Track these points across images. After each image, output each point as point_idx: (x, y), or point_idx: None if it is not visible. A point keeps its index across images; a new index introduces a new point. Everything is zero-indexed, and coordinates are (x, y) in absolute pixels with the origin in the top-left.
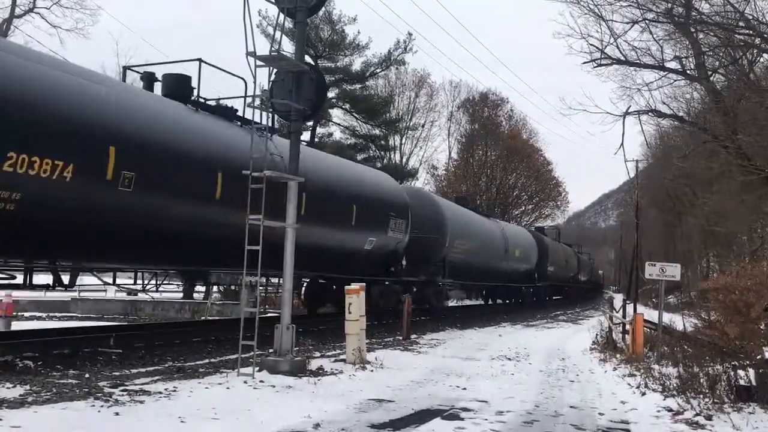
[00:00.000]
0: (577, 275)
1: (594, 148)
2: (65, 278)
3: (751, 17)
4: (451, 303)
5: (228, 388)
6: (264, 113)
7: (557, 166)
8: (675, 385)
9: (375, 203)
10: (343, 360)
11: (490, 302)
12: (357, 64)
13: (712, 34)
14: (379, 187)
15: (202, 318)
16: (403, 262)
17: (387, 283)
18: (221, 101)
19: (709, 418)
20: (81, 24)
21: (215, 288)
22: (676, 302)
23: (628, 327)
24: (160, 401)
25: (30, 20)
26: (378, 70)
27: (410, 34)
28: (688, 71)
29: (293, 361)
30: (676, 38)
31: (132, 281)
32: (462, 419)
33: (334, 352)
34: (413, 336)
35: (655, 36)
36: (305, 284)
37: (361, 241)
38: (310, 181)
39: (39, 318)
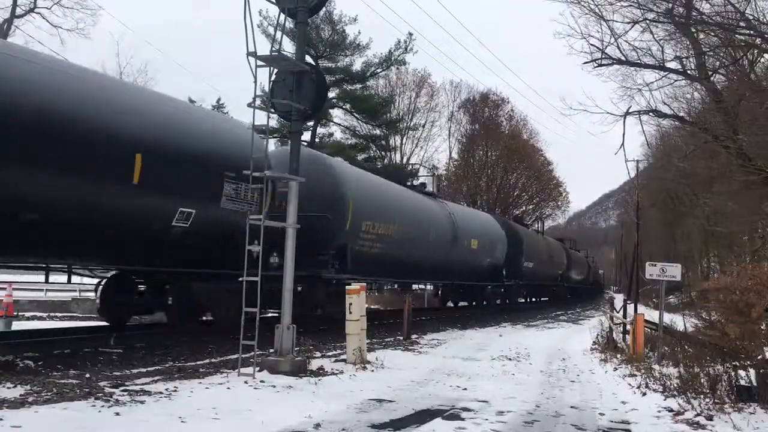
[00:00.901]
0: (568, 273)
1: (595, 149)
2: None
3: (751, 17)
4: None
5: (228, 388)
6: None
7: (558, 167)
8: (676, 385)
9: (191, 155)
10: (344, 360)
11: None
12: (357, 64)
13: (712, 34)
14: (205, 131)
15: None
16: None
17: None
18: None
19: (709, 418)
20: (82, 24)
21: None
22: (676, 302)
23: (628, 327)
24: (161, 401)
25: (31, 20)
26: (378, 70)
27: (411, 34)
28: (688, 71)
29: (294, 361)
30: (677, 38)
31: None
32: (462, 419)
33: (334, 352)
34: (414, 336)
35: (655, 36)
36: (104, 282)
37: (160, 213)
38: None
39: (39, 318)
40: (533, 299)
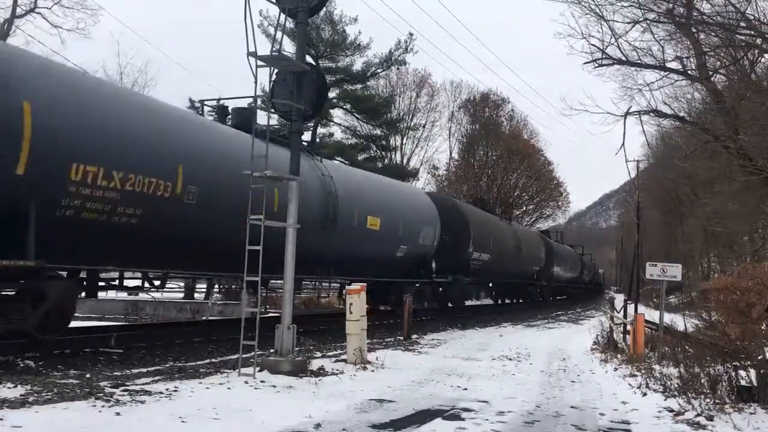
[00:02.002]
0: (549, 270)
1: (595, 149)
2: None
3: (752, 17)
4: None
5: (229, 388)
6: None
7: (558, 167)
8: (676, 385)
9: None
10: (344, 360)
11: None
12: (358, 64)
13: (713, 34)
14: None
15: (203, 318)
16: None
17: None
18: None
19: (710, 418)
20: (82, 24)
21: (216, 288)
22: (677, 302)
23: (629, 327)
24: (161, 401)
25: (31, 20)
26: (379, 70)
27: (411, 34)
28: (689, 71)
29: (294, 361)
30: (678, 38)
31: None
32: (463, 419)
33: (335, 352)
34: (414, 336)
35: (656, 36)
36: None
37: None
38: None
39: None
40: (503, 301)
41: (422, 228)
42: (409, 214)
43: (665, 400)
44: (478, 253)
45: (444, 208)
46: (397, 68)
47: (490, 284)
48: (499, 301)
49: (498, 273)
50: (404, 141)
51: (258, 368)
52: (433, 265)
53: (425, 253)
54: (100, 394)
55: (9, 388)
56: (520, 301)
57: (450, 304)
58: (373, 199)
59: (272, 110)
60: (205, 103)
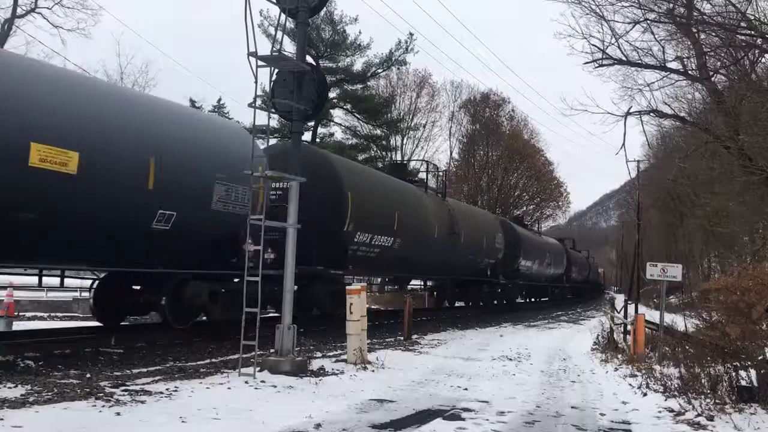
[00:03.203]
0: (513, 264)
1: (595, 149)
2: None
3: (752, 17)
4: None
5: (229, 388)
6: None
7: (558, 167)
8: (676, 385)
9: None
10: (345, 360)
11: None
12: (358, 65)
13: (713, 34)
14: None
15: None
16: None
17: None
18: None
19: (710, 418)
20: (83, 24)
21: None
22: (677, 303)
23: (629, 327)
24: (161, 401)
25: (32, 20)
26: (379, 71)
27: (411, 35)
28: (689, 71)
29: (294, 361)
30: (678, 38)
31: None
32: (463, 419)
33: (335, 353)
34: (414, 336)
35: (656, 36)
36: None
37: None
38: None
39: (40, 318)
40: (451, 304)
41: (215, 183)
42: (180, 153)
43: (666, 400)
44: (368, 235)
45: (284, 157)
46: (398, 68)
47: (408, 281)
48: (447, 304)
49: (414, 265)
50: (404, 141)
51: (258, 368)
52: (250, 248)
53: (234, 228)
54: (101, 394)
55: (9, 388)
56: (481, 304)
57: (319, 311)
58: (64, 112)
59: (272, 110)
60: None
